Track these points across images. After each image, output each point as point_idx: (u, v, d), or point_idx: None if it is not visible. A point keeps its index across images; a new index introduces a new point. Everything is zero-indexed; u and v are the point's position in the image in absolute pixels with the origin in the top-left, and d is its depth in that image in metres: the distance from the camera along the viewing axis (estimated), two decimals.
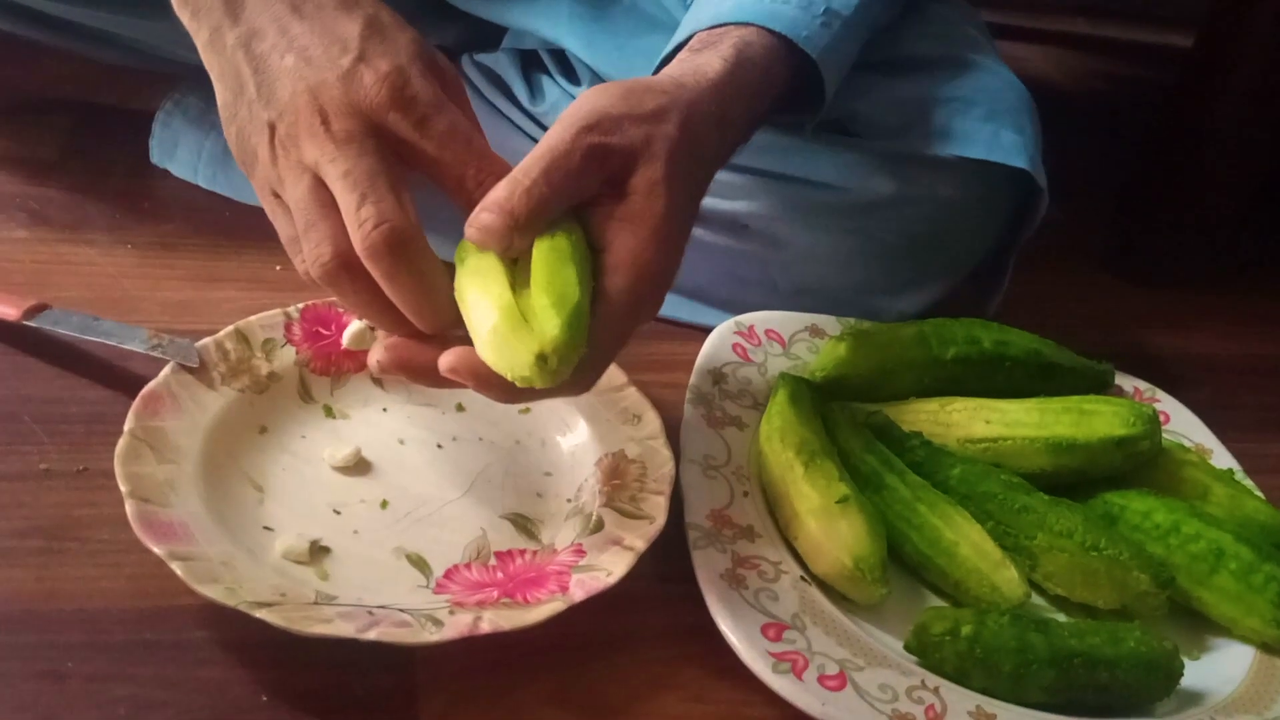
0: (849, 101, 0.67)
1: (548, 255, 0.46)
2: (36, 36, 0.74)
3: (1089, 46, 1.44)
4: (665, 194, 0.48)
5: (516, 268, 0.46)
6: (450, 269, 0.48)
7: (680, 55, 0.56)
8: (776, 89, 0.58)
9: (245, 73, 0.48)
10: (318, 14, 0.49)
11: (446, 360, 0.46)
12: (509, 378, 0.44)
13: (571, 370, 0.45)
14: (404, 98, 0.47)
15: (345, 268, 0.46)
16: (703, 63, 0.54)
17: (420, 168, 0.48)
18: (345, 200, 0.45)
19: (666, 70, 0.55)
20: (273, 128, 0.47)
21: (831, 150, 0.68)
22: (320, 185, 0.46)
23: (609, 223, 0.48)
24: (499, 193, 0.45)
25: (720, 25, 0.58)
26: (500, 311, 0.44)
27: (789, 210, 0.69)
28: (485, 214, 0.45)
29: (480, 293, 0.45)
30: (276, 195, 0.48)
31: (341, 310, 0.61)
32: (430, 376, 0.47)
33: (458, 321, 0.47)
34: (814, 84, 0.60)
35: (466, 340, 0.46)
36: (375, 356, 0.48)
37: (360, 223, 0.44)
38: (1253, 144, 0.87)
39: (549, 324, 0.44)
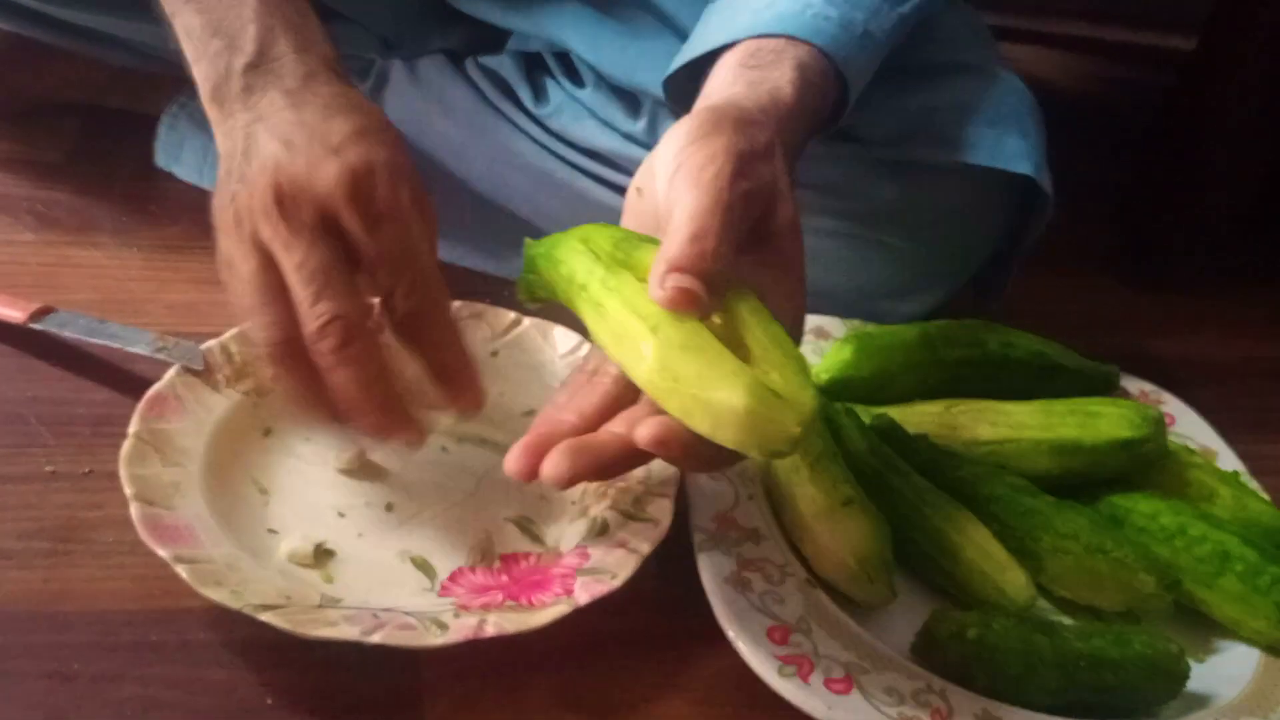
0: (854, 108, 0.67)
1: (759, 317, 0.43)
2: (44, 39, 0.74)
3: (1091, 49, 1.44)
4: (799, 233, 0.48)
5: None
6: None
7: (738, 69, 0.54)
8: (828, 110, 0.58)
9: (237, 151, 0.50)
10: (318, 111, 0.49)
11: (649, 433, 0.41)
12: (754, 453, 0.41)
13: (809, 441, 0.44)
14: (360, 194, 0.47)
15: (291, 354, 0.47)
16: (774, 86, 0.53)
17: (362, 269, 0.48)
18: (300, 293, 0.46)
19: (736, 89, 0.53)
20: (234, 201, 0.48)
21: (836, 156, 0.68)
22: (270, 266, 0.47)
23: (761, 270, 0.46)
24: (685, 255, 0.42)
25: (768, 35, 0.56)
26: (750, 392, 0.40)
27: None
28: (676, 277, 0.42)
29: (709, 366, 0.41)
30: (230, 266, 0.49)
31: None
32: (619, 465, 0.45)
33: (408, 400, 0.48)
34: (836, 97, 0.60)
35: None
36: (551, 471, 0.43)
37: (316, 317, 0.46)
38: (1255, 146, 0.87)
39: (804, 394, 0.41)
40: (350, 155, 0.47)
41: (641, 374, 0.42)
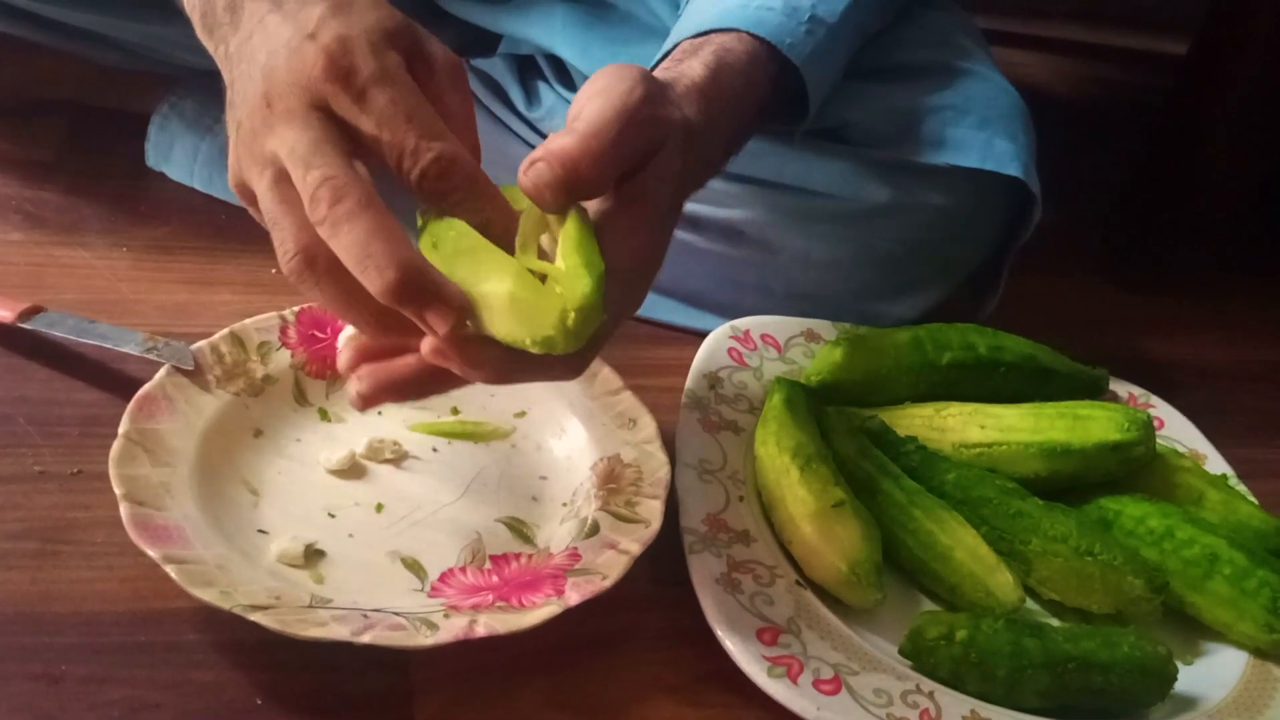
0: (843, 109, 0.67)
1: (578, 222, 0.43)
2: (33, 38, 0.73)
3: (1085, 52, 1.45)
4: (675, 186, 0.47)
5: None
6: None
7: (664, 64, 0.55)
8: (760, 94, 0.58)
9: (235, 80, 0.47)
10: (295, 5, 0.46)
11: (429, 344, 0.43)
12: (527, 343, 0.42)
13: (587, 338, 0.42)
14: (340, 69, 0.43)
15: (309, 262, 0.43)
16: (685, 69, 0.53)
17: (366, 147, 0.44)
18: (296, 175, 0.43)
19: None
20: (239, 126, 0.46)
21: (826, 158, 0.68)
22: (282, 178, 0.44)
23: (615, 200, 0.46)
24: (566, 148, 0.42)
25: (704, 32, 0.57)
26: (515, 277, 0.42)
27: (784, 217, 0.69)
28: (544, 165, 0.42)
29: (480, 264, 0.43)
30: (245, 189, 0.46)
31: None
32: (413, 385, 0.45)
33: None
34: (801, 91, 0.60)
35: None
36: (354, 390, 0.46)
37: (312, 192, 0.42)
38: (1248, 149, 0.88)
39: (580, 282, 0.41)
40: (324, 35, 0.44)
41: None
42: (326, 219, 0.41)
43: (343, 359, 0.47)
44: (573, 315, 0.41)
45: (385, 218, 0.42)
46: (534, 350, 0.42)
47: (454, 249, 0.44)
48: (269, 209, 0.44)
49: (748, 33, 0.57)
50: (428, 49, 0.47)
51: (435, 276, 0.42)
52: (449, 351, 0.43)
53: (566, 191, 0.43)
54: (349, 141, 0.44)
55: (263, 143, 0.44)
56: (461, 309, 0.42)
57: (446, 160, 0.43)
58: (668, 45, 0.59)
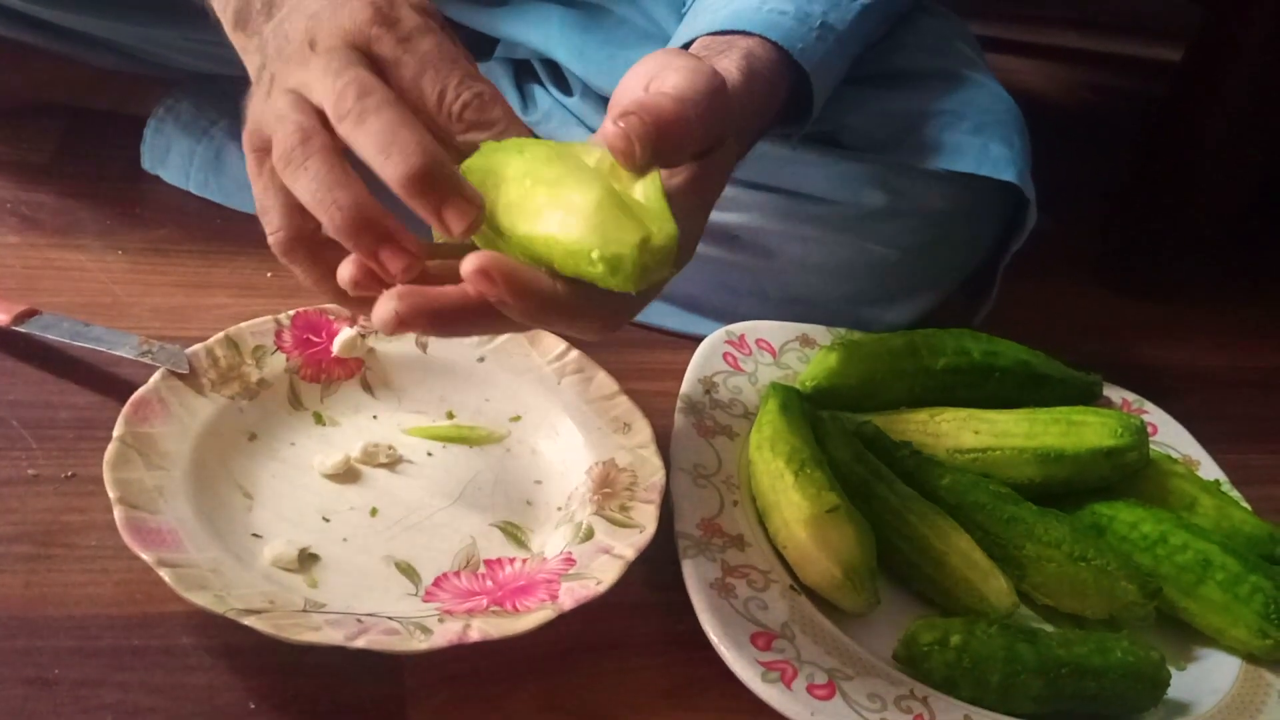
0: (839, 114, 0.67)
1: (660, 185, 0.42)
2: (29, 40, 0.73)
3: (1079, 59, 1.45)
4: (721, 183, 0.48)
5: None
6: None
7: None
8: (777, 104, 0.58)
9: (270, 55, 0.47)
10: None
11: (474, 262, 0.39)
12: (594, 255, 0.39)
13: (648, 284, 0.40)
14: (387, 17, 0.44)
15: (309, 148, 0.41)
16: (721, 70, 0.53)
17: (403, 89, 0.44)
18: (324, 85, 0.42)
19: None
20: (272, 76, 0.45)
21: (822, 163, 0.68)
22: (305, 104, 0.43)
23: (683, 180, 0.46)
24: (663, 106, 0.41)
25: (723, 33, 0.57)
26: (607, 191, 0.40)
27: (780, 222, 0.69)
28: (638, 119, 0.41)
29: (573, 170, 0.41)
30: (258, 151, 0.45)
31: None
32: (450, 315, 0.41)
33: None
34: (803, 96, 0.61)
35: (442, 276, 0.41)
36: (387, 309, 0.40)
37: (340, 89, 0.41)
38: (1241, 156, 0.88)
39: (665, 221, 0.40)
40: None
41: (511, 188, 0.41)
42: (352, 110, 0.41)
43: (345, 272, 0.42)
44: (652, 246, 0.39)
45: (410, 114, 0.41)
46: (592, 271, 0.39)
47: (547, 152, 0.42)
48: (284, 113, 0.42)
49: (771, 41, 0.57)
50: (440, 18, 0.46)
51: (455, 172, 0.40)
52: (495, 274, 0.39)
53: (654, 148, 0.41)
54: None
55: (291, 76, 0.44)
56: (480, 207, 0.40)
57: (490, 94, 0.43)
58: (683, 39, 0.59)
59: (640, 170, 0.42)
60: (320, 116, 0.43)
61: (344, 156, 0.42)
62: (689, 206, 0.45)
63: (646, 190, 0.42)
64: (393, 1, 0.44)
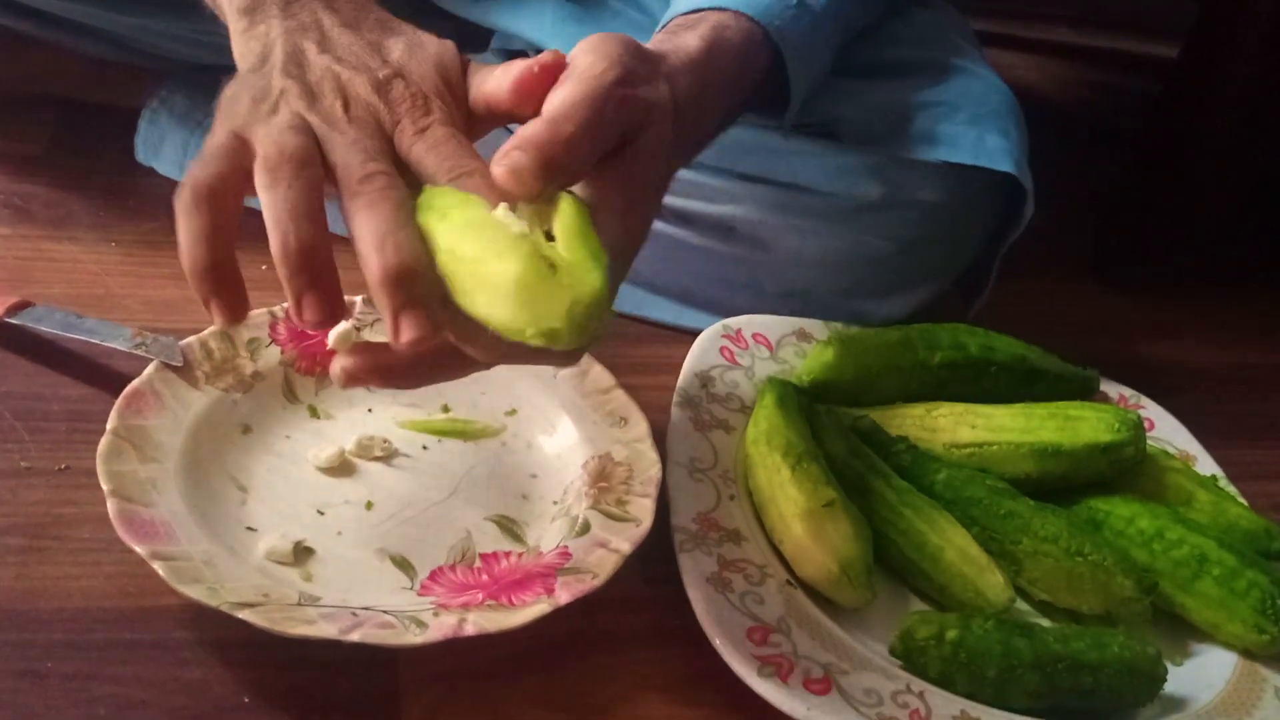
0: (835, 105, 0.67)
1: (577, 211, 0.42)
2: (23, 30, 0.73)
3: (1076, 55, 1.45)
4: (664, 160, 0.47)
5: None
6: None
7: (658, 36, 0.55)
8: (754, 77, 0.58)
9: (277, 55, 0.47)
10: (361, 29, 0.48)
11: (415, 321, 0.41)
12: (528, 334, 0.40)
13: (592, 334, 0.41)
14: (418, 108, 0.45)
15: (301, 174, 0.42)
16: (680, 42, 0.54)
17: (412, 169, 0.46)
18: (348, 155, 0.43)
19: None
20: (281, 91, 0.45)
21: (818, 155, 0.68)
22: (307, 125, 0.44)
23: (600, 179, 0.46)
24: (537, 133, 0.42)
25: (698, 10, 0.57)
26: (524, 259, 0.40)
27: (776, 214, 0.69)
28: (519, 153, 0.42)
29: (489, 240, 0.41)
30: (236, 136, 0.45)
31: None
32: (400, 373, 0.45)
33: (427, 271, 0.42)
34: (785, 77, 0.60)
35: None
36: (340, 365, 0.44)
37: (365, 173, 0.43)
38: (1238, 152, 0.88)
39: (589, 274, 0.40)
40: (412, 77, 0.46)
41: (438, 261, 0.41)
42: (366, 193, 0.42)
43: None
44: (582, 308, 0.39)
45: (412, 218, 0.42)
46: (533, 343, 0.40)
47: (464, 221, 0.42)
48: (282, 134, 0.43)
49: (740, 12, 0.57)
50: (456, 80, 0.48)
51: (429, 291, 0.41)
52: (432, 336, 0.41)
53: (542, 177, 0.42)
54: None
55: (316, 110, 0.44)
56: (430, 334, 0.41)
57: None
58: (663, 22, 0.59)
59: (538, 197, 0.42)
60: (321, 154, 0.43)
61: (323, 196, 0.43)
62: (626, 202, 0.45)
63: (564, 228, 0.42)
64: (428, 98, 0.46)
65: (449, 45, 0.49)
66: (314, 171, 0.43)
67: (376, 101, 0.45)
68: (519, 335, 0.40)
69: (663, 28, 0.58)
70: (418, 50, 0.48)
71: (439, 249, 0.42)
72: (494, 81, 0.47)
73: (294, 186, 0.42)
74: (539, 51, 0.73)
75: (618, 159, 0.46)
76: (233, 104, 0.46)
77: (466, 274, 0.41)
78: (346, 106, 0.45)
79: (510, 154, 0.42)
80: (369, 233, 0.41)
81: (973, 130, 0.68)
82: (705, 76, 0.52)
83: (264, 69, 0.47)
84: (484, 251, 0.40)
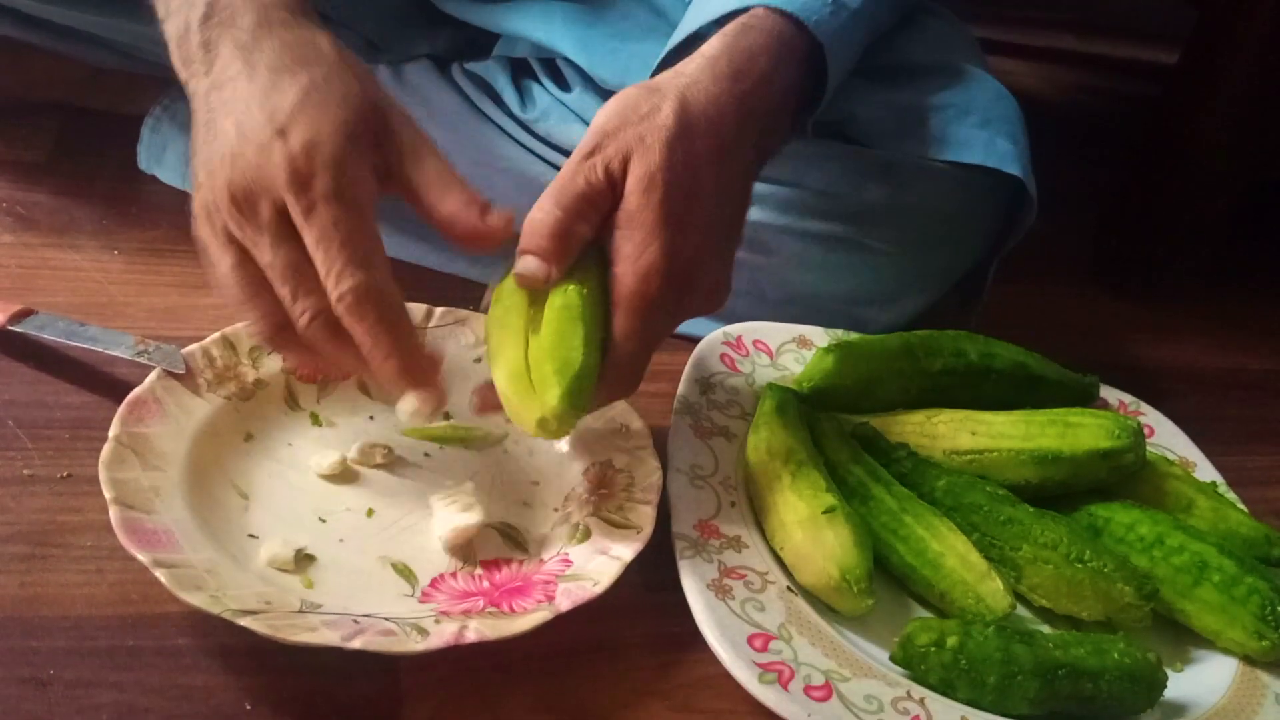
0: (847, 105, 0.67)
1: (559, 314, 0.48)
2: (26, 38, 0.73)
3: (1076, 62, 1.45)
4: (662, 182, 0.48)
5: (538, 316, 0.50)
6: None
7: (717, 39, 0.56)
8: (788, 69, 0.58)
9: (199, 125, 0.49)
10: (267, 75, 0.48)
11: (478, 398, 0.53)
12: (513, 425, 0.49)
13: (571, 428, 0.48)
14: (299, 180, 0.46)
15: (286, 338, 0.49)
16: (701, 48, 0.55)
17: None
18: (279, 291, 0.47)
19: (704, 61, 0.55)
20: (200, 192, 0.48)
21: (824, 157, 0.68)
22: (247, 260, 0.48)
23: (612, 234, 0.48)
24: (525, 233, 0.49)
25: (734, 13, 0.58)
26: (509, 377, 0.48)
27: (780, 216, 0.69)
28: (524, 258, 0.49)
29: (499, 350, 0.49)
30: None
31: None
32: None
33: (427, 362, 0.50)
34: (817, 79, 0.60)
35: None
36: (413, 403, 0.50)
37: (299, 314, 0.47)
38: (1237, 158, 0.88)
39: (549, 393, 0.47)
40: (293, 140, 0.46)
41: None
42: (329, 346, 0.48)
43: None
44: (549, 420, 0.47)
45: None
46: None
47: (498, 318, 0.51)
48: (235, 288, 0.49)
49: (773, 9, 0.57)
50: (394, 128, 0.50)
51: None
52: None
53: (554, 263, 0.49)
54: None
55: (227, 225, 0.48)
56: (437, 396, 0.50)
57: (362, 290, 0.46)
58: (699, 20, 0.60)
59: (557, 279, 0.49)
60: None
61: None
62: (630, 248, 0.48)
63: (541, 341, 0.48)
64: (312, 152, 0.47)
65: (365, 83, 0.50)
66: (266, 296, 0.48)
67: (259, 175, 0.47)
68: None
69: (695, 34, 0.58)
70: (315, 95, 0.48)
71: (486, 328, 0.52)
72: (442, 212, 0.50)
73: (291, 354, 0.51)
74: (542, 58, 0.74)
75: (620, 205, 0.48)
76: (195, 199, 0.49)
77: (491, 366, 0.50)
78: (234, 200, 0.47)
79: (520, 260, 0.49)
80: (368, 366, 0.48)
81: (984, 132, 0.68)
82: (734, 64, 0.53)
83: (200, 149, 0.49)
84: (500, 349, 0.50)
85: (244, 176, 0.47)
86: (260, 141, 0.46)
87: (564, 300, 0.48)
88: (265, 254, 0.47)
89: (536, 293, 0.50)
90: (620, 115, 0.50)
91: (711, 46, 0.55)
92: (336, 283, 0.46)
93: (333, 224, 0.46)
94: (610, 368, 0.49)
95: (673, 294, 0.49)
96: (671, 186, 0.48)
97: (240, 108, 0.48)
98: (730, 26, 0.56)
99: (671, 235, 0.48)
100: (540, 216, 0.48)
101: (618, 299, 0.49)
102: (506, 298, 0.51)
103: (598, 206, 0.49)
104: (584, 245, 0.50)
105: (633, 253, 0.48)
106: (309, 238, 0.47)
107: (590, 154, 0.49)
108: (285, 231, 0.47)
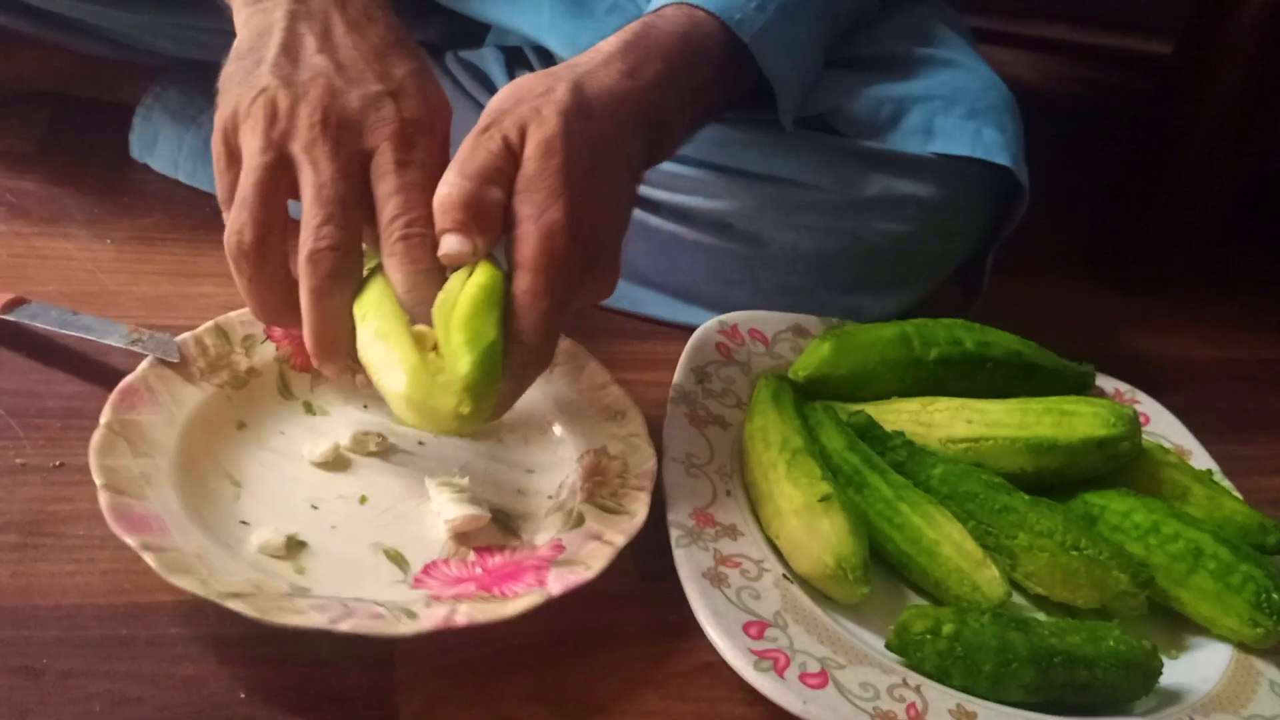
0: (832, 98, 0.67)
1: (474, 295, 0.46)
2: (16, 26, 0.73)
3: (1069, 52, 1.45)
4: (561, 148, 0.48)
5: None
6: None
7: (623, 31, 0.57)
8: (707, 59, 0.58)
9: (274, 39, 0.49)
10: (370, 37, 0.50)
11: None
12: (436, 434, 0.47)
13: (485, 413, 0.45)
14: (404, 137, 0.48)
15: (258, 256, 0.48)
16: (600, 44, 0.55)
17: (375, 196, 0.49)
18: (311, 209, 0.47)
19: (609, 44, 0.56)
20: (269, 94, 0.48)
21: (815, 150, 0.68)
22: (284, 168, 0.47)
23: (512, 200, 0.48)
24: (437, 213, 0.48)
25: (663, 7, 0.59)
26: (410, 375, 0.45)
27: (773, 209, 0.69)
28: (445, 237, 0.47)
29: (388, 353, 0.46)
30: (228, 145, 0.49)
31: None
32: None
33: (350, 354, 0.49)
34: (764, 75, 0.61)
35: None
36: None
37: (319, 239, 0.46)
38: (1231, 150, 0.88)
39: (460, 362, 0.44)
40: (406, 106, 0.49)
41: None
42: (321, 280, 0.47)
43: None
44: (465, 402, 0.44)
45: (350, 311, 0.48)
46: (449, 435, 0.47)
47: (373, 331, 0.47)
48: (252, 186, 0.47)
49: (691, 4, 0.58)
50: (443, 120, 0.52)
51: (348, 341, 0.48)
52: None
53: (477, 234, 0.47)
54: (367, 197, 0.49)
55: (292, 136, 0.48)
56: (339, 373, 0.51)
57: (426, 240, 0.48)
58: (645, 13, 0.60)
59: (483, 249, 0.48)
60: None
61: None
62: (530, 208, 0.48)
63: (456, 317, 0.46)
64: (417, 126, 0.49)
65: (446, 99, 0.52)
66: (271, 207, 0.48)
67: (361, 118, 0.47)
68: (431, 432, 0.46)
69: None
70: (423, 80, 0.51)
71: (360, 349, 0.48)
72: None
73: (245, 276, 0.49)
74: (536, 47, 0.74)
75: (520, 169, 0.48)
76: (225, 97, 0.47)
77: (376, 380, 0.46)
78: (325, 121, 0.47)
79: (442, 240, 0.48)
80: (304, 312, 0.48)
81: (970, 124, 0.68)
82: (632, 58, 0.54)
83: (259, 50, 0.48)
84: (382, 364, 0.46)
85: (345, 109, 0.48)
86: (369, 93, 0.48)
87: (480, 283, 0.47)
88: (323, 174, 0.47)
89: (401, 295, 0.48)
90: (515, 95, 0.50)
91: (610, 44, 0.55)
92: (407, 225, 0.48)
93: (422, 183, 0.48)
94: (516, 336, 0.46)
95: (578, 255, 0.48)
96: (571, 153, 0.48)
97: (345, 53, 0.49)
98: (633, 25, 0.57)
99: (573, 197, 0.48)
100: (447, 191, 0.47)
101: (521, 260, 0.47)
102: (371, 311, 0.47)
103: (504, 171, 0.48)
104: (499, 211, 0.48)
105: (534, 212, 0.47)
106: (397, 180, 0.48)
107: (486, 128, 0.49)
108: (354, 171, 0.48)
